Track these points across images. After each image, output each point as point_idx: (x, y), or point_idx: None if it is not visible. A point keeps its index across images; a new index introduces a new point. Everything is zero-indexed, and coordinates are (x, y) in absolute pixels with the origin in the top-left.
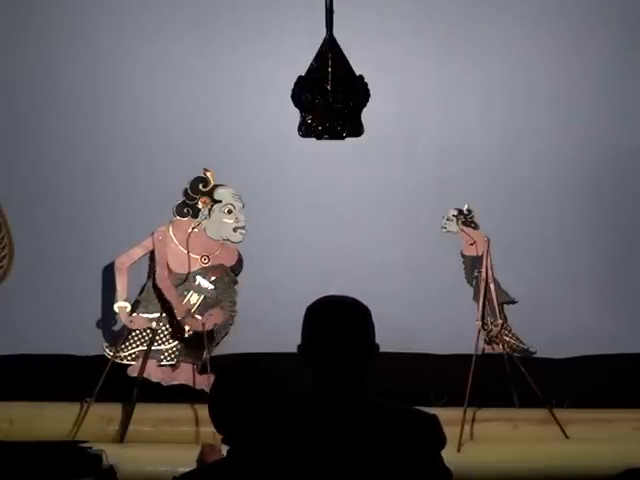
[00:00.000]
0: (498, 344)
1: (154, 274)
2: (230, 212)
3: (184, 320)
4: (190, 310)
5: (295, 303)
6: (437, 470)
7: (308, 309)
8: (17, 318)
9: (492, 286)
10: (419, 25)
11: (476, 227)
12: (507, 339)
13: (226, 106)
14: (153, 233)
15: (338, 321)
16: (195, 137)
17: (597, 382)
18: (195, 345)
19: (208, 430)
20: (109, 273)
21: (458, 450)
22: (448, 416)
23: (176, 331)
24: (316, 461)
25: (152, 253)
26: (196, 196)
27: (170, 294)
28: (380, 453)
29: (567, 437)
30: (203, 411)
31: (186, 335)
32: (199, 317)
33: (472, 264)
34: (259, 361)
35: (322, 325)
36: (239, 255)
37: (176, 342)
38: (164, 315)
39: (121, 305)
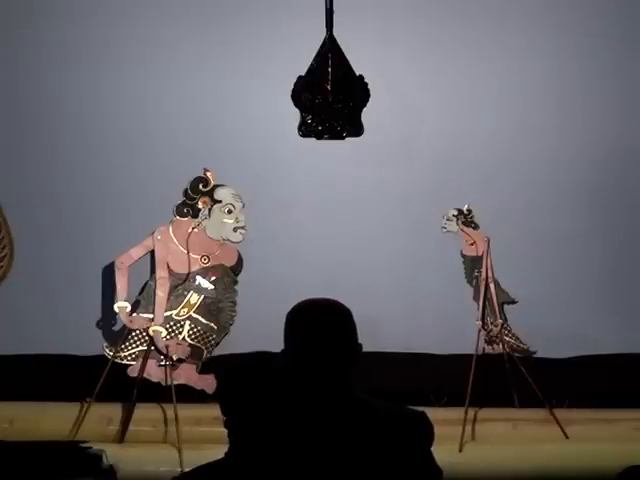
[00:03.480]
0: (498, 344)
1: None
2: (230, 212)
3: (155, 331)
4: (168, 326)
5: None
6: (427, 467)
7: (289, 314)
8: (17, 318)
9: (492, 286)
10: (419, 25)
11: (476, 227)
12: (507, 339)
13: (226, 106)
14: (153, 233)
15: (320, 324)
16: (195, 137)
17: (597, 382)
18: (195, 345)
19: (208, 430)
20: (109, 273)
21: (460, 450)
22: (449, 416)
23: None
24: (305, 459)
25: (153, 253)
26: (196, 196)
27: (160, 299)
28: (369, 450)
29: (567, 437)
30: (203, 411)
31: (152, 347)
32: (166, 338)
33: (472, 264)
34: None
35: (307, 329)
36: (239, 255)
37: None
38: (165, 315)
39: (121, 305)
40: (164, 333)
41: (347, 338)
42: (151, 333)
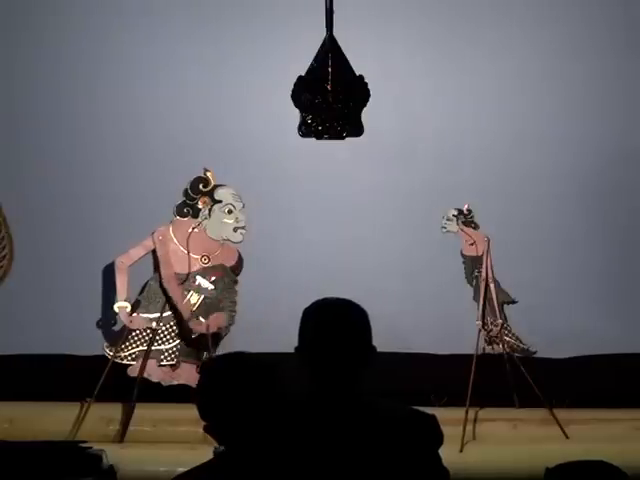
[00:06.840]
0: (498, 344)
1: (160, 273)
2: (230, 212)
3: (189, 322)
4: (193, 311)
5: (295, 303)
6: (435, 469)
7: (305, 311)
8: (17, 318)
9: (492, 286)
10: (419, 25)
11: (476, 227)
12: (507, 339)
13: (226, 106)
14: (153, 233)
15: (336, 323)
16: (195, 137)
17: (597, 382)
18: (195, 345)
19: None
20: (109, 273)
21: (460, 450)
22: (449, 416)
23: (182, 332)
24: (311, 460)
25: (154, 253)
26: (196, 196)
27: (176, 295)
28: (377, 452)
29: (567, 437)
30: None
31: (192, 336)
32: (202, 320)
33: (472, 264)
34: (247, 353)
35: (320, 327)
36: (239, 255)
37: (176, 342)
38: (164, 315)
39: (121, 305)
40: (203, 321)
41: (359, 339)
42: (191, 325)
